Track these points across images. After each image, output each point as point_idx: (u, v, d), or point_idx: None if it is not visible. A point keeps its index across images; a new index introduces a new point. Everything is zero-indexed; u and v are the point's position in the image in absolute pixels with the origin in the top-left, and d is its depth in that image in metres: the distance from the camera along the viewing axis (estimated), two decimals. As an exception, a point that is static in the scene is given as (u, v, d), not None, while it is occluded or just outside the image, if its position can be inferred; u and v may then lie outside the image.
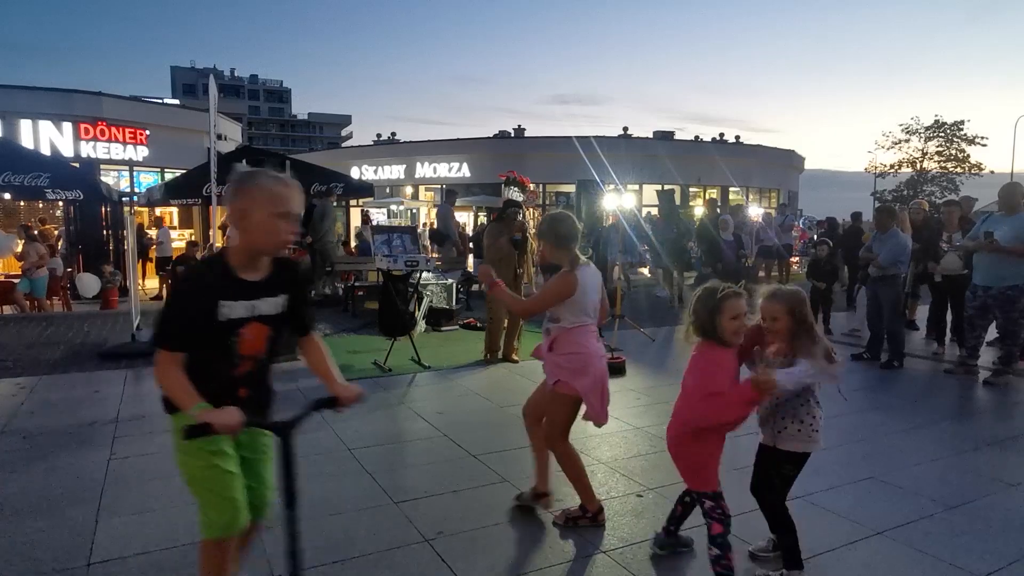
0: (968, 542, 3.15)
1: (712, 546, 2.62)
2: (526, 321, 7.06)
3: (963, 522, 3.37)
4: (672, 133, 33.83)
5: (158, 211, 18.07)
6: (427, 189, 29.22)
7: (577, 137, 23.57)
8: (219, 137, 19.30)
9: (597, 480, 3.86)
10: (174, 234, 19.15)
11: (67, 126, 17.33)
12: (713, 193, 28.02)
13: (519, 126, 33.40)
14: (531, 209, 14.53)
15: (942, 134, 39.45)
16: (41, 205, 16.08)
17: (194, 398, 1.89)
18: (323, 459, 4.12)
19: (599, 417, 3.20)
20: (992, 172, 38.11)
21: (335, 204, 11.78)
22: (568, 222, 3.32)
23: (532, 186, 12.16)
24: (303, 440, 4.41)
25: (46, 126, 17.00)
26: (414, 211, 26.09)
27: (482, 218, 23.30)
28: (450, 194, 12.86)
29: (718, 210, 11.79)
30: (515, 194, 7.79)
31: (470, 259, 13.37)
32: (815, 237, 14.68)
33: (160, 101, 28.98)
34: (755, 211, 15.86)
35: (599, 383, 3.17)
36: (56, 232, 14.47)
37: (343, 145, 68.24)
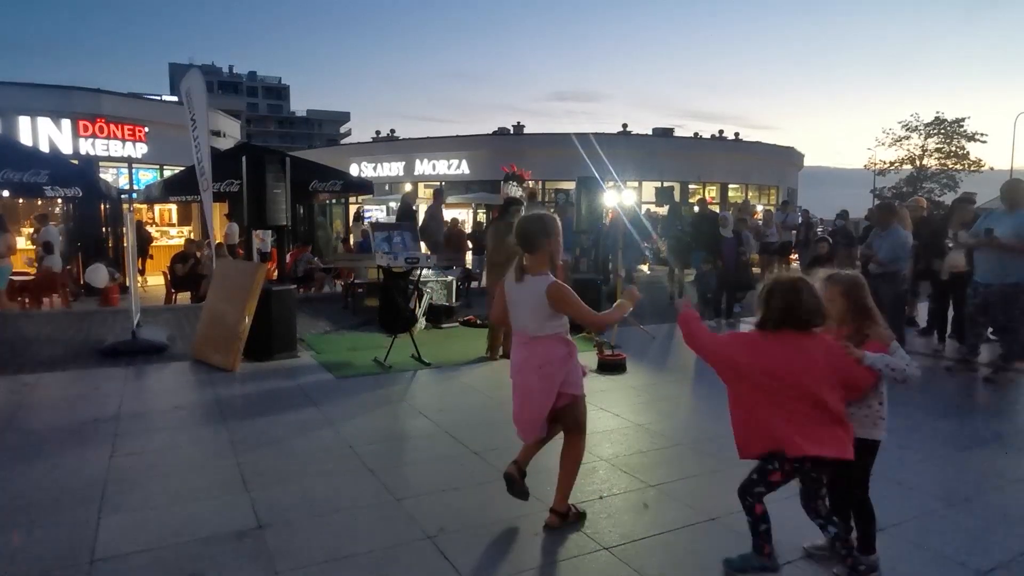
0: (969, 538, 3.16)
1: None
2: None
3: (964, 518, 3.37)
4: (671, 130, 33.78)
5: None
6: (426, 186, 29.21)
7: (576, 134, 23.55)
8: (217, 134, 19.25)
9: (599, 476, 3.87)
10: (172, 231, 19.18)
11: (66, 123, 17.29)
12: (712, 190, 28.03)
13: (518, 123, 33.51)
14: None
15: (942, 131, 39.42)
16: (40, 202, 16.04)
17: None
18: (324, 456, 4.13)
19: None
20: (992, 168, 38.13)
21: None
22: (519, 227, 3.11)
23: (531, 182, 12.22)
24: (304, 438, 4.44)
25: (45, 123, 16.96)
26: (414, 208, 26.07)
27: (481, 215, 23.28)
28: (438, 194, 13.06)
29: (709, 208, 11.84)
30: (514, 189, 7.77)
31: (468, 256, 13.39)
32: (818, 230, 14.66)
33: (159, 98, 28.91)
34: (757, 208, 15.84)
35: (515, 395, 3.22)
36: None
37: (342, 142, 68.00)
